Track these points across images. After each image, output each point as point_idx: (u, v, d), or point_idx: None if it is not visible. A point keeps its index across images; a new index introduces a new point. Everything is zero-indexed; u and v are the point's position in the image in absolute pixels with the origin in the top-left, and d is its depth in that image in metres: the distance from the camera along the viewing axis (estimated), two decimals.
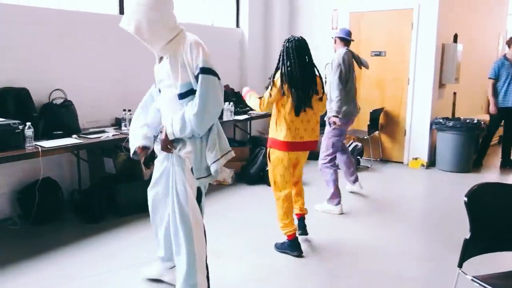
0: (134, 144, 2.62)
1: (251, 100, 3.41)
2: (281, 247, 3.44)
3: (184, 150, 2.44)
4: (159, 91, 2.56)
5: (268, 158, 3.43)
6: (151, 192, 2.78)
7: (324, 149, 4.36)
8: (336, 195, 4.29)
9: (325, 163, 4.35)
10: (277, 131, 3.29)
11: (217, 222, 4.05)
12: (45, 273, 3.01)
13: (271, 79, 3.27)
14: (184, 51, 2.33)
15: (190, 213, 2.44)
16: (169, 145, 2.47)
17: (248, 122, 6.36)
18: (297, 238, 3.40)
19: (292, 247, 3.37)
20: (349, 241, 3.67)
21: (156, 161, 2.72)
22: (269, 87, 3.25)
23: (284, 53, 3.23)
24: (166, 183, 2.62)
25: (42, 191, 3.79)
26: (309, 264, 3.24)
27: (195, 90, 2.31)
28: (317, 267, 3.21)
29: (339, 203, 4.30)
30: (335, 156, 4.43)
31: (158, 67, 2.52)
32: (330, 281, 3.02)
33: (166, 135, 2.44)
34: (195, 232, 2.45)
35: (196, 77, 2.31)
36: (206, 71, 2.30)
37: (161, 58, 2.49)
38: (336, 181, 4.30)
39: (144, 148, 2.61)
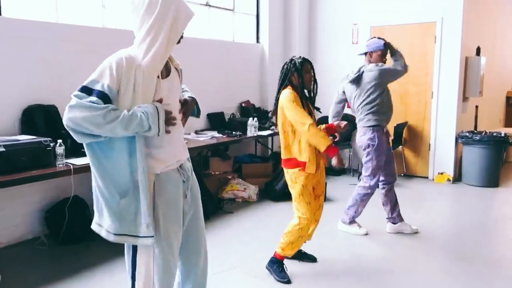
0: None
1: None
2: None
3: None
4: None
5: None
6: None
7: None
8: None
9: None
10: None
11: (247, 240, 3.95)
12: None
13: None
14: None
15: None
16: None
17: (270, 138, 6.29)
18: None
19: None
20: (373, 263, 3.55)
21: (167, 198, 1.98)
22: None
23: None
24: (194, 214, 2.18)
25: (71, 210, 3.71)
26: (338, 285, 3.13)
27: None
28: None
29: None
30: None
31: (168, 83, 1.98)
32: None
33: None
34: None
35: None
36: None
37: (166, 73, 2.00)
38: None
39: None
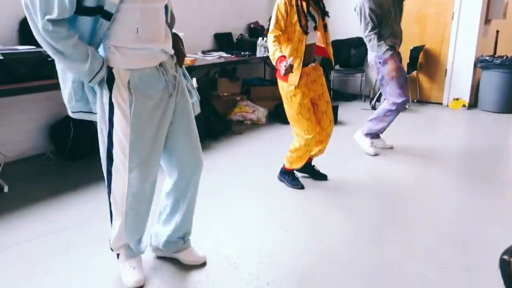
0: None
1: None
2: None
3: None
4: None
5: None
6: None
7: None
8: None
9: None
10: None
11: (257, 160, 3.87)
12: (83, 207, 2.86)
13: None
14: None
15: None
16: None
17: None
18: None
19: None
20: (387, 181, 3.46)
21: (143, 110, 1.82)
22: None
23: None
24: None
25: (76, 125, 3.60)
26: (354, 204, 3.06)
27: None
28: (362, 207, 3.03)
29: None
30: None
31: None
32: (375, 221, 2.83)
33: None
34: None
35: None
36: None
37: None
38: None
39: None
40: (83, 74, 1.74)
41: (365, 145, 4.03)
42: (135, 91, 1.78)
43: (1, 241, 2.40)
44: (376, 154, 3.97)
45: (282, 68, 2.64)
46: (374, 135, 4.09)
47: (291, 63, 2.62)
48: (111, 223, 2.00)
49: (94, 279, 2.08)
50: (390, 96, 3.84)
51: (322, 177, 3.40)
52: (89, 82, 1.77)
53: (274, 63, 2.77)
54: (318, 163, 3.44)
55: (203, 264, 2.20)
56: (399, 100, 3.80)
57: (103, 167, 1.94)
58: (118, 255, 2.09)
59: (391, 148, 4.14)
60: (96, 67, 1.73)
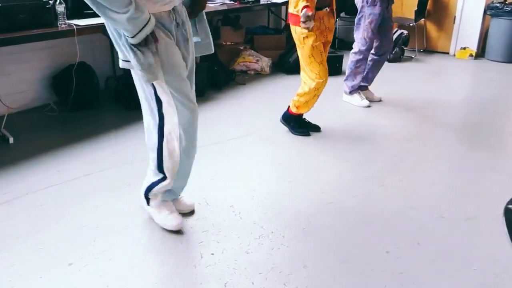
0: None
1: None
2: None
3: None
4: None
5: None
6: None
7: None
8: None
9: None
10: None
11: (261, 110, 3.85)
12: (88, 158, 2.89)
13: None
14: None
15: None
16: None
17: (284, 7, 5.87)
18: None
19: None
20: (387, 132, 3.47)
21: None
22: None
23: None
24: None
25: (79, 76, 3.56)
26: (357, 155, 3.08)
27: None
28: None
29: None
30: None
31: None
32: (377, 172, 2.86)
33: None
34: None
35: None
36: None
37: None
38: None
39: None
40: (125, 25, 1.62)
41: (355, 101, 3.96)
42: (156, 31, 1.74)
43: (11, 191, 2.45)
44: (369, 106, 3.92)
45: (303, 15, 2.71)
46: (363, 87, 4.04)
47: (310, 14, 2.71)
48: (158, 170, 2.00)
49: (104, 227, 2.14)
50: (357, 41, 3.77)
51: (315, 128, 3.37)
52: (133, 37, 1.63)
53: (297, 11, 2.80)
54: (322, 114, 3.43)
55: (204, 213, 2.25)
56: (363, 47, 3.72)
57: (148, 113, 1.91)
58: (148, 200, 2.13)
59: (380, 101, 4.08)
60: (143, 20, 1.63)
